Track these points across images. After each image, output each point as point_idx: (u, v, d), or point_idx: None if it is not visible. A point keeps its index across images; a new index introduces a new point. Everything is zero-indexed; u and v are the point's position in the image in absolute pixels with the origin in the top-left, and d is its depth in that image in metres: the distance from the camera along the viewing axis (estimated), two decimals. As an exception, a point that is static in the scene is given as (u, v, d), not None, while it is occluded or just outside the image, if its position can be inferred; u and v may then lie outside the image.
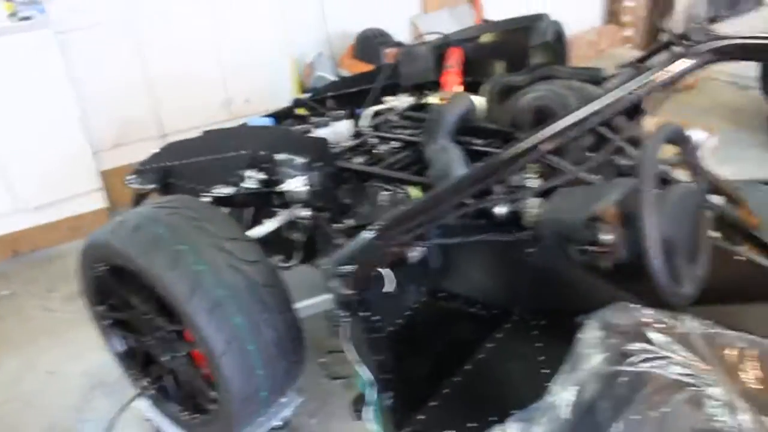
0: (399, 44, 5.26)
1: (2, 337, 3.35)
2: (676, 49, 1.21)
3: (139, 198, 3.03)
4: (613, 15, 7.18)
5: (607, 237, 1.49)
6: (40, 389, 2.96)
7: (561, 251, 1.67)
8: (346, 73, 5.18)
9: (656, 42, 2.27)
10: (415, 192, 2.08)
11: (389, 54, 4.87)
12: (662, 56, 1.23)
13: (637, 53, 6.51)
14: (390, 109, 2.98)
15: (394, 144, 2.48)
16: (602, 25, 7.15)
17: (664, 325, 1.70)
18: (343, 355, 2.78)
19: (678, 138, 1.62)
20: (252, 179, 2.39)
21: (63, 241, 4.17)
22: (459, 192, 1.41)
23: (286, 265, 2.55)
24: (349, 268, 1.61)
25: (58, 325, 3.41)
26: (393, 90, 3.12)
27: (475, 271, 2.51)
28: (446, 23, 5.76)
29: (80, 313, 3.37)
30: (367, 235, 1.60)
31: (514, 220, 1.84)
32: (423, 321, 2.55)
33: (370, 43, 5.26)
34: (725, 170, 1.85)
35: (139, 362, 2.46)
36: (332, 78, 4.99)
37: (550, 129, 1.28)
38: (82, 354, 3.12)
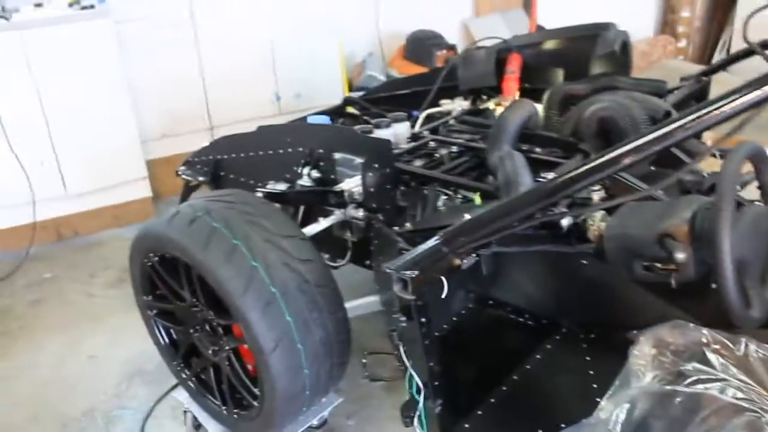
0: (452, 47, 5.23)
1: (45, 319, 3.40)
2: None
3: (189, 190, 3.05)
4: (667, 25, 7.07)
5: (679, 255, 1.45)
6: (82, 373, 2.99)
7: (624, 266, 1.63)
8: (395, 73, 5.16)
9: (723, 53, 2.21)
10: (477, 199, 2.05)
11: (441, 56, 4.85)
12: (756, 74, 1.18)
13: (689, 65, 6.46)
14: (447, 113, 2.95)
15: (453, 148, 2.45)
16: (655, 36, 7.04)
17: (721, 347, 1.65)
18: (383, 357, 2.80)
19: (758, 157, 1.56)
20: (308, 177, 2.39)
21: (105, 228, 4.24)
22: (532, 203, 1.38)
23: (335, 264, 2.54)
24: (411, 273, 1.59)
25: (98, 311, 3.45)
26: (448, 93, 3.09)
27: (526, 280, 2.47)
28: (498, 27, 5.71)
29: (120, 300, 3.45)
30: (435, 241, 1.57)
31: (575, 231, 1.81)
32: (470, 328, 2.52)
33: (421, 45, 5.23)
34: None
35: (182, 354, 2.46)
36: (382, 78, 4.98)
37: (631, 143, 1.24)
38: (123, 341, 3.15)
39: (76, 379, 2.95)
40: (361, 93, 3.66)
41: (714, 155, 2.13)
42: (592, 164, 1.32)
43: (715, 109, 1.20)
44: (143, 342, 2.96)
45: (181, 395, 2.55)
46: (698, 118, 1.21)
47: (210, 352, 2.29)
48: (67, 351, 3.15)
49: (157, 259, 2.24)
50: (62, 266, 3.90)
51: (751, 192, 1.84)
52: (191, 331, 2.33)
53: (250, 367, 2.25)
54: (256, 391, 2.16)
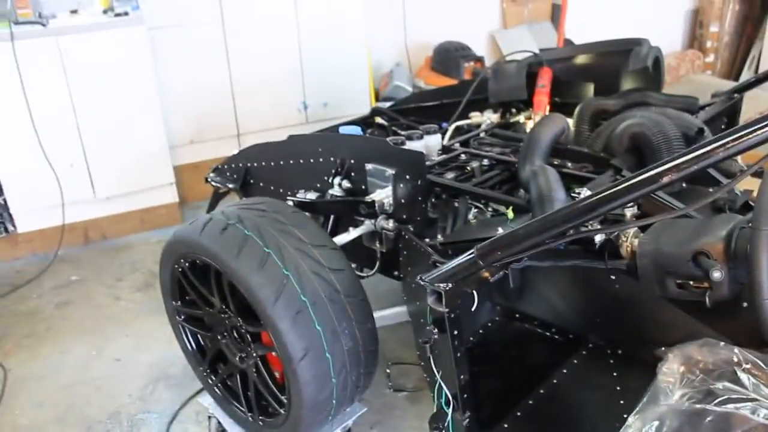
0: (479, 58, 5.24)
1: (72, 321, 3.43)
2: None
3: (218, 197, 3.08)
4: (695, 40, 7.03)
5: (715, 274, 1.45)
6: (108, 375, 3.02)
7: (656, 283, 1.63)
8: (422, 83, 5.19)
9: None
10: (510, 213, 2.06)
11: (468, 68, 4.86)
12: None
13: (717, 80, 6.42)
14: (476, 125, 2.96)
15: (484, 161, 2.46)
16: (682, 50, 7.00)
17: (753, 366, 1.64)
18: (406, 368, 2.81)
19: (793, 176, 1.56)
20: (339, 187, 2.40)
21: (133, 232, 4.28)
22: (569, 220, 1.39)
23: (363, 274, 2.55)
24: (446, 285, 1.60)
25: (124, 314, 3.48)
26: (477, 105, 3.10)
27: (554, 295, 2.48)
28: (526, 40, 5.72)
29: (146, 304, 3.49)
30: (470, 255, 1.58)
31: (608, 247, 1.81)
32: (496, 340, 2.53)
33: (449, 56, 5.25)
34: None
35: (208, 360, 2.48)
36: (409, 88, 5.00)
37: (671, 162, 1.24)
38: (148, 345, 3.18)
39: (102, 382, 2.98)
40: (388, 103, 3.69)
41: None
42: (631, 182, 1.32)
43: (756, 130, 1.20)
44: (168, 346, 3.01)
45: (206, 400, 2.57)
46: (739, 138, 1.21)
47: (237, 358, 2.30)
48: (93, 353, 3.18)
49: (187, 265, 2.26)
50: (90, 269, 3.94)
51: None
52: (219, 337, 2.34)
53: (277, 374, 2.26)
54: (283, 398, 2.17)
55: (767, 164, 1.40)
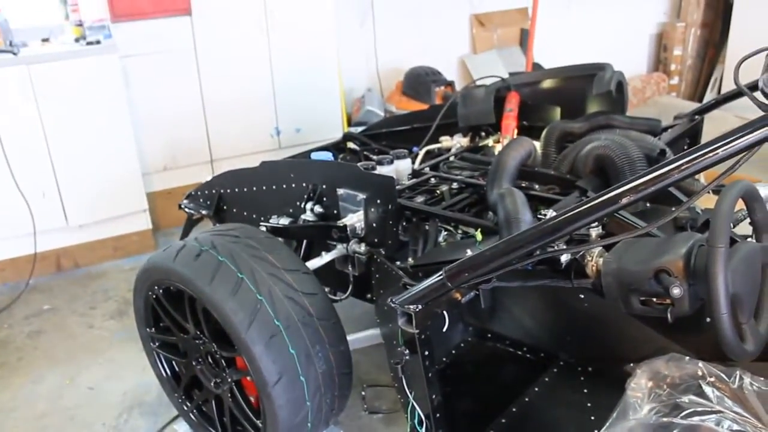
0: (449, 83, 5.32)
1: (45, 351, 3.40)
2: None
3: (191, 223, 3.09)
4: (659, 63, 7.21)
5: (675, 291, 1.49)
6: (81, 404, 2.99)
7: (621, 301, 1.67)
8: (394, 108, 5.24)
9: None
10: (478, 235, 2.10)
11: (439, 92, 4.93)
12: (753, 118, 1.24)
13: (682, 102, 6.57)
14: (446, 149, 3.01)
15: (454, 185, 2.50)
16: (648, 73, 7.17)
17: (717, 380, 1.69)
18: (381, 390, 2.82)
19: (749, 195, 1.62)
20: (311, 212, 2.43)
21: (106, 260, 4.25)
22: (534, 241, 1.43)
23: (336, 298, 2.57)
24: (416, 307, 1.63)
25: (98, 342, 3.45)
26: (447, 130, 3.15)
27: (525, 315, 2.52)
28: (495, 64, 5.82)
29: (119, 332, 3.47)
30: (439, 276, 1.62)
31: (574, 267, 1.85)
32: (468, 361, 2.56)
33: (420, 81, 5.32)
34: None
35: (183, 386, 2.48)
36: (381, 113, 5.05)
37: (630, 183, 1.29)
38: (122, 373, 3.16)
39: (75, 411, 2.95)
40: (360, 128, 3.73)
41: (708, 192, 2.19)
42: (593, 203, 1.37)
43: (711, 152, 1.25)
44: (143, 374, 2.99)
45: (181, 427, 2.57)
46: (694, 159, 1.27)
47: (212, 384, 2.31)
48: (66, 383, 3.15)
49: (161, 291, 2.27)
50: (62, 298, 3.91)
51: (744, 228, 1.89)
52: (194, 363, 2.35)
53: (252, 399, 2.27)
54: (258, 423, 2.18)
55: (726, 181, 1.46)
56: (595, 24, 6.64)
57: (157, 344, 2.49)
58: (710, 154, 1.25)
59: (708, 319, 1.70)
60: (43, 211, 3.90)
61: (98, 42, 3.80)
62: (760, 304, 1.65)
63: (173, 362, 2.51)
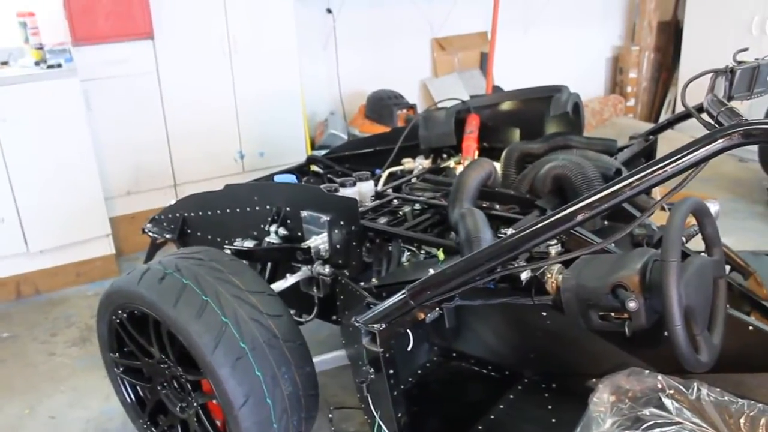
0: (411, 106, 5.38)
1: (4, 381, 3.33)
2: (709, 131, 1.28)
3: (155, 247, 3.07)
4: (616, 85, 7.39)
5: (631, 304, 1.54)
6: (42, 435, 2.95)
7: (580, 316, 1.71)
8: (357, 131, 5.29)
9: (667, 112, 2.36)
10: (441, 254, 2.13)
11: (401, 115, 4.99)
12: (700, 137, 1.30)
13: (638, 122, 6.73)
14: (409, 171, 3.05)
15: (416, 206, 2.53)
16: (606, 95, 7.35)
17: (675, 392, 1.74)
18: (349, 412, 2.83)
19: (699, 211, 1.68)
20: (275, 234, 2.44)
21: (67, 286, 4.19)
22: (493, 258, 1.47)
23: (302, 320, 2.58)
24: (379, 326, 1.65)
25: (60, 370, 3.40)
26: (409, 152, 3.19)
27: (489, 333, 2.55)
28: (456, 87, 5.91)
29: (82, 359, 3.41)
30: (401, 295, 1.64)
31: (534, 284, 1.89)
32: (435, 380, 2.58)
33: (382, 104, 5.38)
34: (725, 240, 1.92)
35: (148, 412, 2.46)
36: (344, 136, 5.09)
37: (584, 201, 1.34)
38: (85, 400, 3.11)
39: (37, 441, 2.90)
40: (323, 151, 3.76)
41: (663, 209, 2.26)
42: (549, 221, 1.41)
43: (659, 169, 1.31)
44: (106, 401, 2.95)
45: (147, 454, 2.53)
46: (644, 177, 1.32)
47: (178, 408, 2.29)
48: (26, 412, 3.08)
49: (125, 315, 2.26)
50: (22, 325, 3.84)
51: (696, 243, 1.95)
52: (159, 387, 2.33)
53: (218, 422, 2.26)
54: (225, 446, 2.18)
55: (674, 198, 1.51)
56: (553, 48, 6.80)
57: (121, 369, 2.46)
58: (659, 172, 1.31)
59: (665, 333, 1.75)
60: (1, 237, 3.84)
61: (59, 65, 3.77)
62: (713, 317, 1.71)
63: (138, 387, 2.48)
